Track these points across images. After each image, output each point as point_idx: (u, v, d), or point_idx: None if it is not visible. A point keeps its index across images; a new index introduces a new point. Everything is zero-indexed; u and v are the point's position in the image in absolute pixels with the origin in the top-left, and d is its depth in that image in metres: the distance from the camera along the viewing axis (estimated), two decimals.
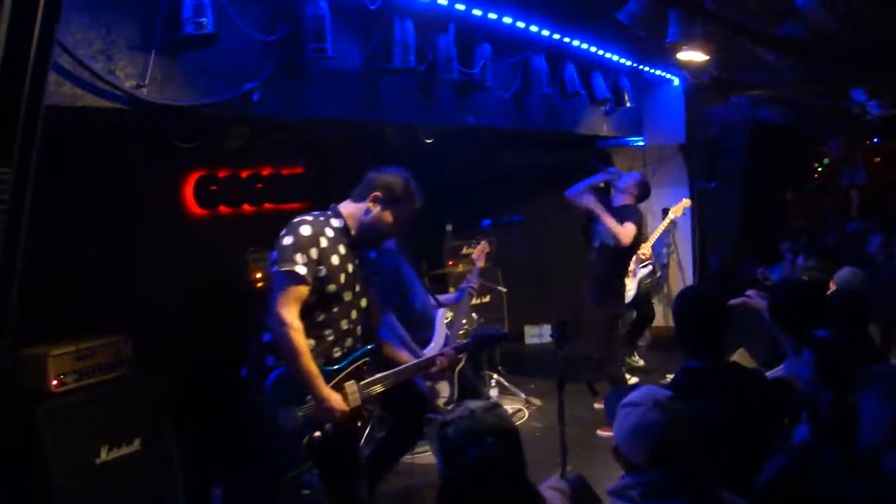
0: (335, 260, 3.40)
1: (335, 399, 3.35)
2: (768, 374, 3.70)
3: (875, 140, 12.76)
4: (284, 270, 3.26)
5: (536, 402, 7.16)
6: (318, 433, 3.35)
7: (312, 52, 4.03)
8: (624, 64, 7.43)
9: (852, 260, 6.31)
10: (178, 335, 4.95)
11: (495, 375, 7.54)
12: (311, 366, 3.28)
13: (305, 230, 3.33)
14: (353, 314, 3.54)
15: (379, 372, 3.64)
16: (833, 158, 12.64)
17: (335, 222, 3.50)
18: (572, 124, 7.17)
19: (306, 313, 3.34)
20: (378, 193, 3.52)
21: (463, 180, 8.18)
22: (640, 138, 8.65)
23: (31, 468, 4.01)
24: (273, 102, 4.04)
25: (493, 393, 7.13)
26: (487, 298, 8.17)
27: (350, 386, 3.48)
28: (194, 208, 5.60)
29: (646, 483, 2.33)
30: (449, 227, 8.25)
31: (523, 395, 7.28)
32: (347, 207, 3.57)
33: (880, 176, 12.66)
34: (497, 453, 2.03)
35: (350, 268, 3.49)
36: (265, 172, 6.05)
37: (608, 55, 7.00)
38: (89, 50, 3.13)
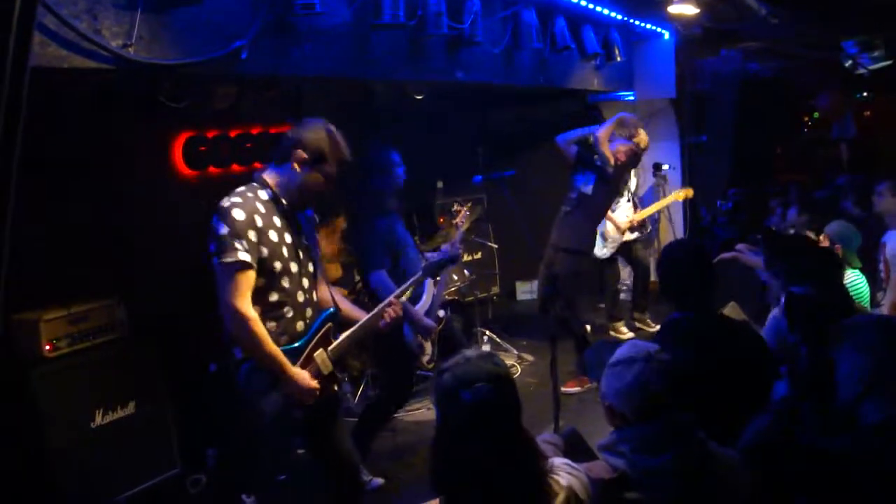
0: (273, 236, 3.24)
1: (303, 378, 3.26)
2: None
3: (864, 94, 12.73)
4: (228, 262, 3.10)
5: (529, 357, 7.23)
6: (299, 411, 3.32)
7: (301, 7, 3.96)
8: (614, 17, 7.37)
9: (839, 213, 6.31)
10: (170, 297, 4.94)
11: (487, 332, 7.60)
12: (274, 351, 3.19)
13: (238, 214, 3.13)
14: (305, 282, 3.40)
15: (343, 333, 3.54)
16: (823, 112, 12.61)
17: (263, 194, 3.29)
18: (563, 79, 7.12)
19: (259, 298, 3.21)
20: (301, 154, 3.29)
21: (453, 136, 8.13)
22: (631, 93, 8.61)
23: (26, 434, 4.03)
24: (261, 60, 3.98)
25: (486, 349, 7.18)
26: (479, 255, 8.20)
27: (319, 355, 3.39)
28: (184, 169, 5.56)
29: (637, 437, 2.35)
30: (440, 184, 8.22)
31: (515, 352, 7.35)
32: (272, 174, 3.35)
33: (870, 129, 12.64)
34: (491, 397, 2.05)
35: (288, 238, 3.32)
36: (254, 131, 6.00)
37: (598, 9, 6.94)
38: (74, 9, 3.07)
